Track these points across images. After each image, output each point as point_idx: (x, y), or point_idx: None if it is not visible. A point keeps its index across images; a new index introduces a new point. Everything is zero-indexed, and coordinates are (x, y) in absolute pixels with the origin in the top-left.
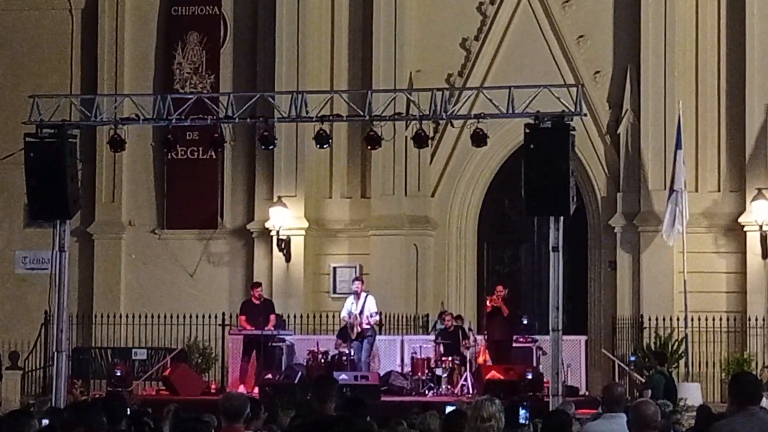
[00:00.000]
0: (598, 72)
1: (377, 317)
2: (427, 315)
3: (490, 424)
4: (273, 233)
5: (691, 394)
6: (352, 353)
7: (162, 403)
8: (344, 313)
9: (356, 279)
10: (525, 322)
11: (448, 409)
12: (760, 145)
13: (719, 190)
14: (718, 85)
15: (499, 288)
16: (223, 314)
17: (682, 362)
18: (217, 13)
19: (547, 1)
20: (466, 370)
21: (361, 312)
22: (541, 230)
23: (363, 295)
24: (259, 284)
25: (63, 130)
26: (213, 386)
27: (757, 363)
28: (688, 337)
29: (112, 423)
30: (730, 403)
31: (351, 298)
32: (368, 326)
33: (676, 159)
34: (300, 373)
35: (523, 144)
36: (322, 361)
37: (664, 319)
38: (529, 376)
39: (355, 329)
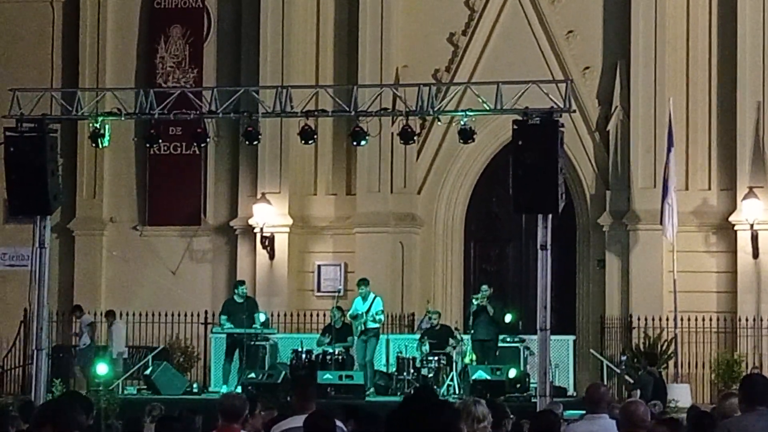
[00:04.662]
0: (587, 68)
1: (382, 316)
2: (413, 314)
3: (484, 425)
4: (257, 230)
5: (681, 395)
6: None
7: (143, 403)
8: (351, 313)
9: (363, 280)
10: (508, 320)
11: None
12: (751, 143)
13: (710, 189)
14: (709, 82)
15: (484, 287)
16: (206, 312)
17: (671, 363)
18: (201, 6)
19: None
20: (452, 370)
21: (368, 311)
22: (529, 228)
23: (371, 295)
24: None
25: (43, 124)
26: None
27: (747, 364)
28: (678, 337)
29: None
30: (740, 403)
31: (358, 300)
32: (374, 325)
33: (669, 157)
34: (284, 373)
35: (511, 140)
36: (306, 360)
37: (653, 319)
38: None
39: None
